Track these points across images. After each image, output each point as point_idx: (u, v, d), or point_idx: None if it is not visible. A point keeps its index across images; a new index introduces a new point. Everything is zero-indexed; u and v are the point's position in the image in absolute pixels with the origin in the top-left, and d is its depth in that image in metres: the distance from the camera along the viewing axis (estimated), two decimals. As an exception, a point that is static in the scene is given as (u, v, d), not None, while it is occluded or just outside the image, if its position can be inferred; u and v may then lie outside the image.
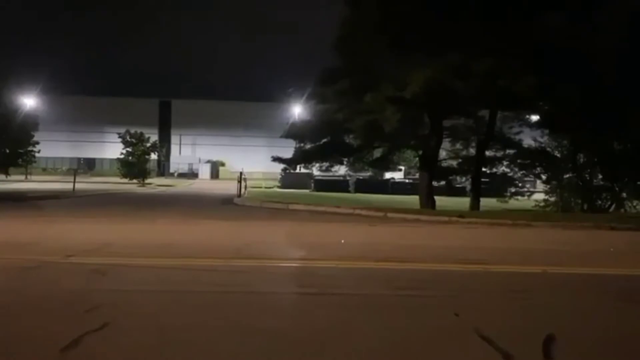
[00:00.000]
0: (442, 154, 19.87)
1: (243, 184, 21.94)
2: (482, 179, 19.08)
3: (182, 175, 59.38)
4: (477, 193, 18.03)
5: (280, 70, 73.32)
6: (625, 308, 4.42)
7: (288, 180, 34.99)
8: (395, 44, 15.01)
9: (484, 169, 19.12)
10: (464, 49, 13.96)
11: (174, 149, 69.04)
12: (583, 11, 14.28)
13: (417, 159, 22.15)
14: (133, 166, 36.88)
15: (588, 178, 18.15)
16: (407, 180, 34.95)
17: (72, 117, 62.90)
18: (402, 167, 39.69)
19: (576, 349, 3.25)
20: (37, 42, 78.36)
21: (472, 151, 19.48)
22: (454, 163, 20.43)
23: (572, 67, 14.18)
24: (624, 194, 17.87)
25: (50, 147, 44.88)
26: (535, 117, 19.01)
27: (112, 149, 45.16)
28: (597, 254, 7.84)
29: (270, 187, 34.37)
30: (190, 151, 68.06)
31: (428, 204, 17.10)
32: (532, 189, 21.26)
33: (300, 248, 7.63)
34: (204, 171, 61.03)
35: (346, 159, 22.37)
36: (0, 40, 70.78)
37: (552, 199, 18.56)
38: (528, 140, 19.35)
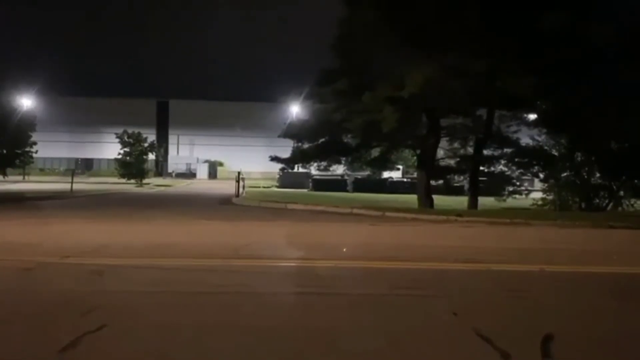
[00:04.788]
0: (440, 153, 19.88)
1: (241, 183, 21.94)
2: (480, 178, 19.09)
3: (180, 175, 59.24)
4: (475, 192, 18.04)
5: (278, 71, 73.38)
6: (623, 307, 4.43)
7: (286, 179, 34.96)
8: (392, 44, 15.00)
9: (481, 168, 19.13)
10: (462, 49, 13.96)
11: (172, 149, 68.94)
12: (581, 11, 14.29)
13: (415, 158, 22.16)
14: (131, 166, 36.81)
15: (586, 177, 18.17)
16: (405, 180, 34.94)
17: (69, 118, 62.77)
18: (400, 167, 39.70)
19: (574, 348, 3.26)
20: (35, 43, 78.22)
21: (470, 150, 19.50)
22: (452, 162, 20.43)
23: (570, 66, 14.20)
24: (622, 193, 17.90)
25: (48, 147, 44.63)
26: (533, 116, 19.04)
27: (110, 149, 45.06)
28: (595, 253, 7.85)
29: (268, 187, 34.35)
30: (188, 151, 67.93)
31: (426, 203, 17.10)
32: (529, 188, 21.24)
33: (299, 248, 7.63)
34: (202, 171, 60.91)
35: (344, 159, 22.35)
36: (-3, 41, 70.60)
37: (550, 197, 18.57)
38: (526, 139, 19.37)
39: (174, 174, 60.44)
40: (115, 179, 37.77)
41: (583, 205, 17.61)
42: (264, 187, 33.30)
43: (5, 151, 24.78)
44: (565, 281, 5.49)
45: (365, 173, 35.89)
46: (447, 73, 13.98)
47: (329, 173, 27.62)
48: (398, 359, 3.01)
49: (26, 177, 39.49)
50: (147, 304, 4.12)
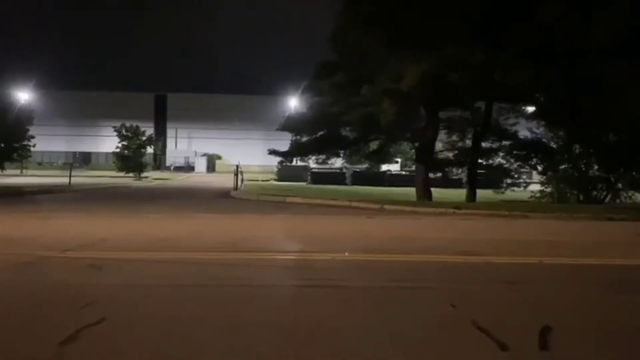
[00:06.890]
0: (439, 145, 19.89)
1: (239, 177, 21.94)
2: (478, 171, 19.12)
3: (178, 169, 59.28)
4: (473, 184, 18.08)
5: (276, 64, 73.12)
6: (621, 298, 4.44)
7: (284, 173, 34.95)
8: (390, 37, 14.96)
9: (480, 161, 19.17)
10: (460, 42, 13.94)
11: (170, 142, 68.88)
12: (579, 3, 14.25)
13: (413, 151, 22.17)
14: (129, 160, 36.78)
15: (584, 169, 18.23)
16: (403, 173, 34.98)
17: (67, 111, 62.67)
18: (399, 159, 39.72)
19: (572, 340, 3.27)
20: (33, 37, 77.83)
21: (469, 143, 19.51)
22: (450, 155, 20.45)
23: (568, 59, 14.18)
24: (620, 185, 17.95)
25: (46, 141, 44.49)
26: (531, 109, 19.05)
27: (108, 143, 44.98)
28: (594, 245, 7.87)
29: (266, 180, 34.33)
30: (187, 145, 67.87)
31: (425, 195, 17.12)
32: (528, 180, 21.32)
33: (297, 241, 7.64)
34: (200, 165, 60.90)
35: (342, 152, 22.37)
36: (-6, 34, 70.30)
37: (548, 190, 18.63)
38: (524, 131, 19.40)
39: (172, 168, 60.47)
40: (114, 173, 37.72)
41: (581, 197, 17.66)
42: (263, 181, 33.27)
43: (3, 145, 24.75)
44: (563, 273, 5.51)
45: (364, 166, 35.91)
46: (445, 65, 13.96)
47: (328, 166, 27.63)
48: (397, 352, 3.02)
49: (24, 171, 39.43)
50: (146, 298, 4.12)
